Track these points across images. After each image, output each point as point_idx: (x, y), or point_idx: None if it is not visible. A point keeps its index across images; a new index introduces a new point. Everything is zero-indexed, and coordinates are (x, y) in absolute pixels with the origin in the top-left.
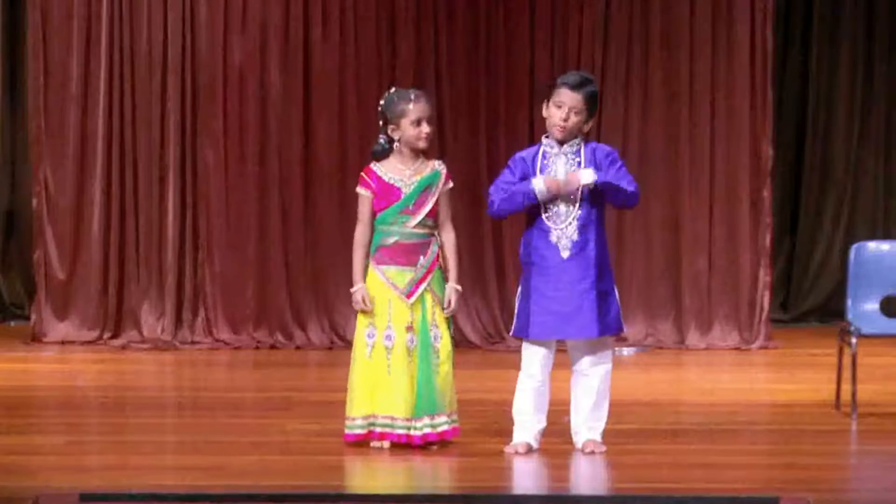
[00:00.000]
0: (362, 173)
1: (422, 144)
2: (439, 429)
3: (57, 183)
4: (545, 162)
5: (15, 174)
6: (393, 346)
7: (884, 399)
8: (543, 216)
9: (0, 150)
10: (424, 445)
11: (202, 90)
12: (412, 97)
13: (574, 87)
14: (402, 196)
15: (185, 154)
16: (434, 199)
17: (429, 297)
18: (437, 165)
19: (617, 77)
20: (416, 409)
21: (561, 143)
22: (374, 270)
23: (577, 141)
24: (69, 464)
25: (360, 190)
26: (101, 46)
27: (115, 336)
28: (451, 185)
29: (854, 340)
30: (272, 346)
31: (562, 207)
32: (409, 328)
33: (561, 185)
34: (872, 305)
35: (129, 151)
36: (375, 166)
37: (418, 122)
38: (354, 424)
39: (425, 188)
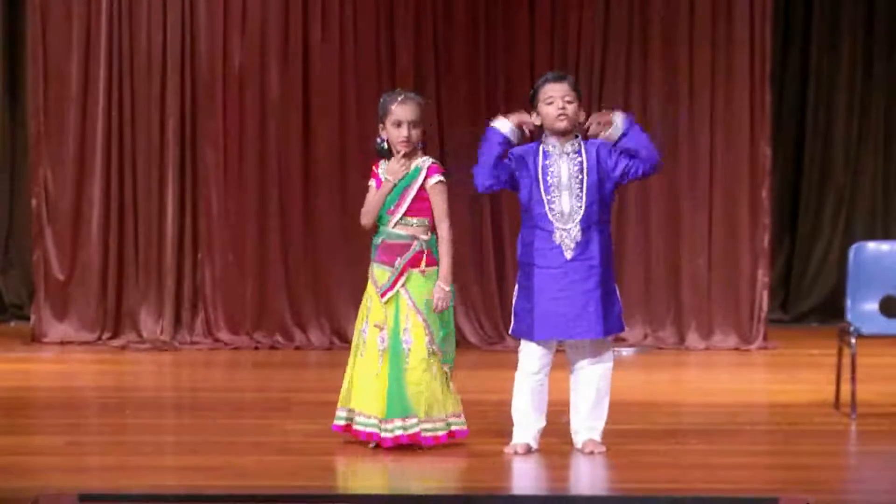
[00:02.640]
0: (373, 167)
1: (399, 148)
2: (411, 430)
3: (57, 183)
4: (547, 163)
5: (15, 174)
6: (365, 343)
7: (884, 399)
8: (548, 214)
9: (0, 151)
10: (394, 448)
11: (202, 90)
12: (399, 99)
13: (557, 80)
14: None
15: (184, 154)
16: (410, 196)
17: (404, 302)
18: (420, 162)
19: (616, 76)
20: (387, 411)
21: (564, 134)
22: (370, 269)
23: (576, 140)
24: (69, 464)
25: (370, 182)
26: (100, 47)
27: (114, 336)
28: (438, 178)
29: (853, 341)
30: (272, 347)
31: (566, 206)
32: (380, 327)
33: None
34: (872, 305)
35: (129, 152)
36: (380, 163)
37: (398, 125)
38: (337, 415)
39: (404, 188)
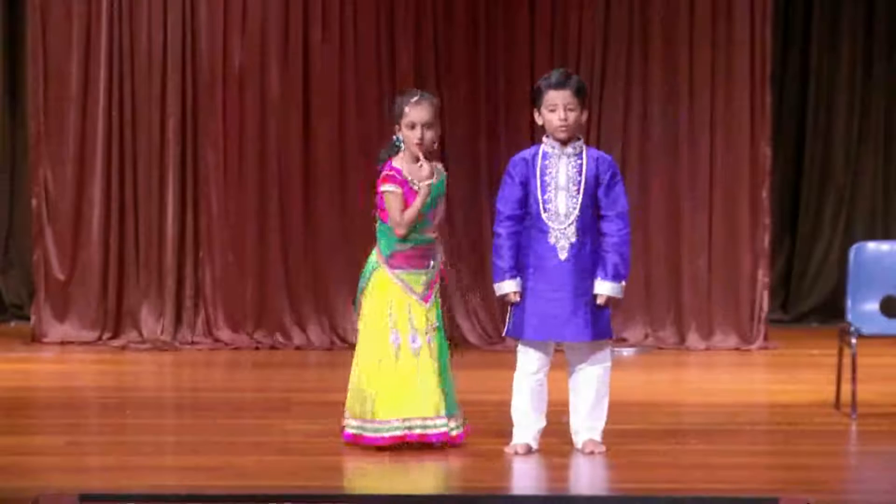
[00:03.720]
0: (387, 171)
1: (414, 150)
2: (464, 427)
3: (57, 183)
4: (546, 163)
5: (15, 174)
6: (420, 349)
7: (884, 399)
8: (543, 214)
9: (0, 151)
10: (461, 444)
11: (202, 90)
12: (413, 100)
13: (559, 86)
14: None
15: (184, 154)
16: (444, 202)
17: (438, 302)
18: (441, 169)
19: (617, 77)
20: (447, 408)
21: (565, 143)
22: (388, 275)
23: (579, 143)
24: (69, 464)
25: (389, 187)
26: (100, 47)
27: (114, 336)
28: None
29: (854, 341)
30: (272, 347)
31: (561, 207)
32: (431, 329)
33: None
34: (872, 305)
35: (129, 152)
36: (398, 164)
37: (412, 126)
38: (387, 427)
39: (438, 195)
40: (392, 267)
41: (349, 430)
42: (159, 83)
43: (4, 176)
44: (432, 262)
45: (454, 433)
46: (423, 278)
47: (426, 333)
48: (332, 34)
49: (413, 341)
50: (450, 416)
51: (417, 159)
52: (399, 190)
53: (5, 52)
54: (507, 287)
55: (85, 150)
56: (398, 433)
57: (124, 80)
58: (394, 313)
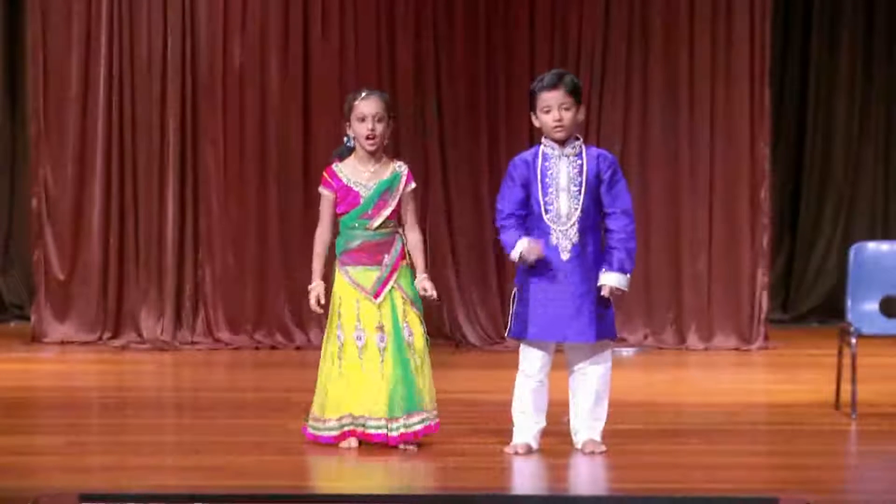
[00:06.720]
0: (324, 173)
1: (367, 145)
2: (413, 428)
3: (57, 183)
4: (546, 164)
5: (15, 174)
6: (364, 346)
7: (884, 399)
8: (545, 215)
9: (0, 151)
10: (398, 445)
11: (202, 91)
12: (362, 94)
13: (552, 87)
14: (361, 200)
15: (184, 154)
16: (395, 201)
17: (398, 296)
18: (398, 167)
19: (617, 76)
20: (392, 410)
21: (563, 143)
22: (339, 272)
23: (578, 143)
24: (69, 464)
25: (321, 190)
26: (100, 47)
27: (114, 336)
28: (413, 185)
29: (854, 341)
30: (272, 347)
31: (563, 208)
32: (380, 328)
33: (530, 252)
34: (872, 305)
35: (129, 152)
36: (336, 167)
37: (363, 119)
38: (327, 426)
39: (384, 191)
40: (343, 264)
41: (310, 430)
42: (159, 83)
43: (4, 176)
44: (386, 258)
45: (393, 434)
46: (375, 275)
47: (376, 331)
48: (332, 34)
49: (358, 339)
50: (392, 417)
51: (371, 156)
52: (330, 195)
53: (5, 52)
54: (521, 244)
55: (85, 150)
56: (335, 433)
57: (124, 80)
58: (342, 311)
